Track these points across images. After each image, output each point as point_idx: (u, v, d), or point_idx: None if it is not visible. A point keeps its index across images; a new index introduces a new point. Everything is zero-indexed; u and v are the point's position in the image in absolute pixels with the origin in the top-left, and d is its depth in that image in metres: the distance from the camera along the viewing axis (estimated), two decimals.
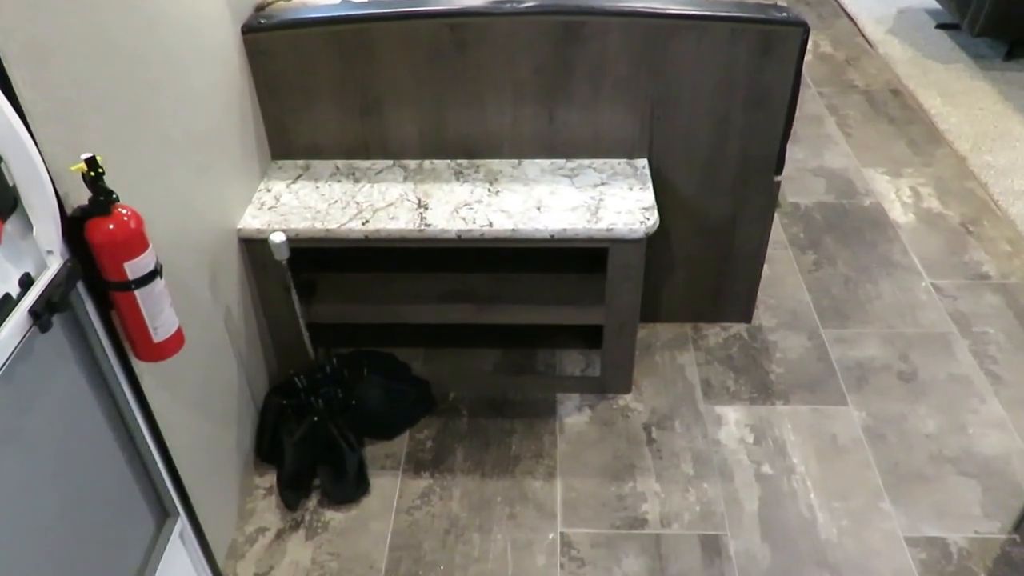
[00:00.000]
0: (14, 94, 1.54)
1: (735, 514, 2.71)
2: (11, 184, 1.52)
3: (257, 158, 2.89)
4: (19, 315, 1.54)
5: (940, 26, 5.77)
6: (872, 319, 3.42)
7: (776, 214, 3.15)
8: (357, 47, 2.79)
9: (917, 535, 2.64)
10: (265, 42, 2.77)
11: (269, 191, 2.87)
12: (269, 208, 2.79)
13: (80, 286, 1.77)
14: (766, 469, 2.84)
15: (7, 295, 1.54)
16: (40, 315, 1.57)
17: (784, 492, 2.77)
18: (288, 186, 2.90)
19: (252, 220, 2.74)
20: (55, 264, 1.66)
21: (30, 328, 1.58)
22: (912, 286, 3.57)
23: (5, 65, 1.52)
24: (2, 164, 1.49)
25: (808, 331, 3.37)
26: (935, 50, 5.49)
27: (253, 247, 2.75)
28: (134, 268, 1.78)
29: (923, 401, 3.06)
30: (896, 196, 4.13)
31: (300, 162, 3.03)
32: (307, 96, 2.89)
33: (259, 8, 2.87)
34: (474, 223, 2.69)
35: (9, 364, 1.53)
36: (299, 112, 2.93)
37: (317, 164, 3.01)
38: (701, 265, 3.25)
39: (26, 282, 1.59)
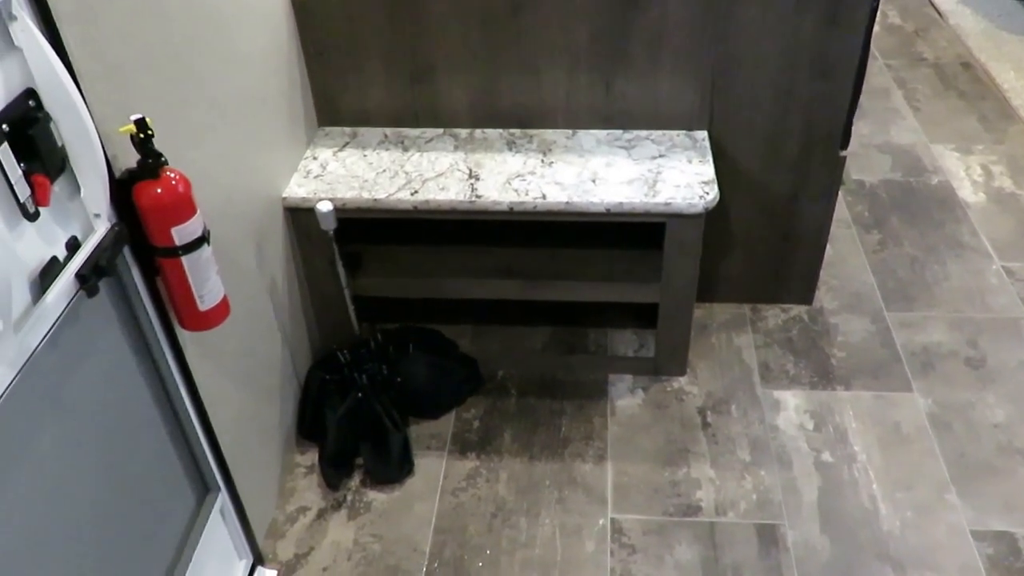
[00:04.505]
0: (65, 53, 1.55)
1: (793, 503, 2.69)
2: (60, 144, 1.53)
3: (304, 124, 2.90)
4: (66, 279, 1.56)
5: None
6: (939, 303, 3.38)
7: (840, 191, 3.11)
8: (408, 10, 2.79)
9: (984, 529, 2.61)
10: (314, 5, 2.78)
11: (315, 159, 2.88)
12: (315, 176, 2.80)
13: (126, 252, 1.79)
14: (826, 457, 2.82)
15: (54, 258, 1.55)
16: (87, 279, 1.59)
17: (845, 481, 2.75)
18: (335, 154, 2.91)
19: (298, 188, 2.75)
20: (102, 228, 1.68)
21: (77, 292, 1.60)
22: (982, 269, 3.53)
23: (57, 23, 1.53)
24: (52, 123, 1.51)
25: (872, 314, 3.34)
26: (1009, 21, 5.39)
27: (298, 216, 2.76)
28: (181, 233, 1.79)
29: (992, 389, 3.02)
30: (966, 174, 4.08)
31: (347, 129, 3.04)
32: (356, 61, 2.90)
33: None
34: (527, 195, 2.69)
35: (55, 329, 1.55)
36: (347, 78, 2.93)
37: (365, 132, 3.02)
38: (761, 243, 3.23)
39: (73, 245, 1.61)
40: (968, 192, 3.96)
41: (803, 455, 2.83)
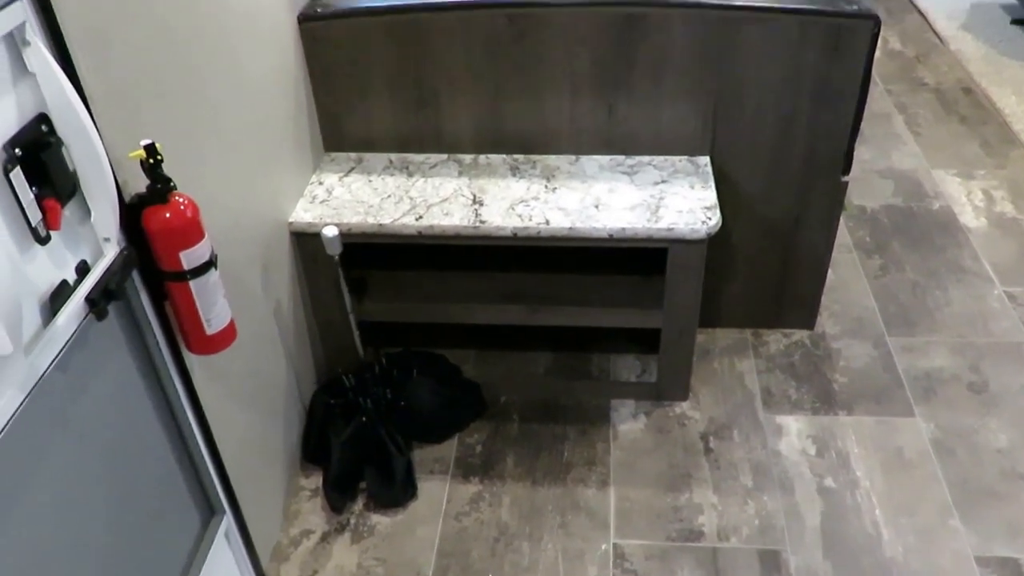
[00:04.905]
0: (77, 78, 1.58)
1: (796, 529, 2.70)
2: (71, 169, 1.56)
3: (310, 150, 2.93)
4: (76, 302, 1.58)
5: (1016, 21, 5.73)
6: (941, 327, 3.40)
7: (841, 217, 3.14)
8: (414, 38, 2.83)
9: (988, 555, 2.62)
10: (321, 31, 2.82)
11: (321, 184, 2.91)
12: (321, 201, 2.83)
13: (135, 275, 1.81)
14: (829, 482, 2.83)
15: (64, 281, 1.57)
16: (97, 303, 1.61)
17: (848, 507, 2.76)
18: (340, 179, 2.94)
19: (304, 213, 2.78)
20: (112, 252, 1.70)
21: (86, 316, 1.62)
22: (984, 294, 3.55)
23: (69, 49, 1.56)
24: (64, 148, 1.53)
25: (874, 339, 3.36)
26: (1010, 47, 5.44)
27: (304, 241, 2.79)
28: (190, 258, 1.82)
29: (994, 414, 3.04)
30: (967, 199, 4.10)
31: (353, 155, 3.07)
32: (362, 87, 2.93)
33: None
34: (530, 220, 2.71)
35: (65, 352, 1.57)
36: (353, 103, 2.97)
37: (370, 157, 3.05)
38: (763, 268, 3.25)
39: (83, 269, 1.63)
40: (970, 217, 3.98)
41: (805, 480, 2.84)
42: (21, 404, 1.45)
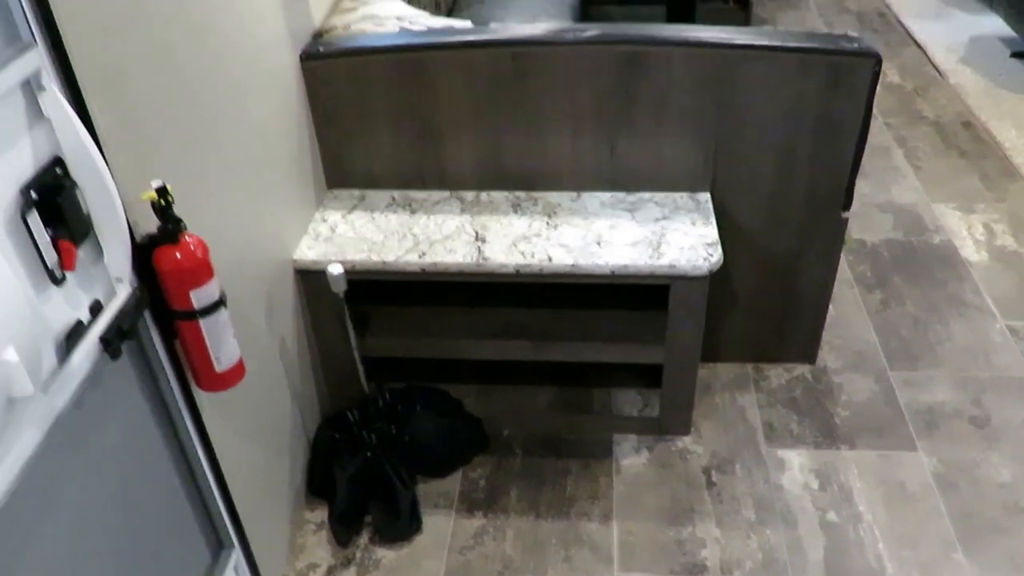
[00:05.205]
0: (90, 121, 1.64)
1: (799, 563, 2.74)
2: (85, 211, 1.61)
3: (313, 187, 2.98)
4: (90, 342, 1.63)
5: (1015, 55, 5.79)
6: (943, 362, 3.43)
7: (842, 251, 3.18)
8: (416, 76, 2.88)
9: None
10: (323, 70, 2.87)
11: (325, 221, 2.96)
12: (325, 239, 2.88)
13: (145, 314, 1.86)
14: (831, 516, 2.87)
15: (79, 321, 1.62)
16: (110, 342, 1.66)
17: (851, 540, 2.79)
18: (344, 216, 2.99)
19: (308, 251, 2.83)
20: (124, 292, 1.75)
21: (100, 355, 1.67)
22: (985, 328, 3.59)
23: (83, 92, 1.61)
24: (78, 190, 1.58)
25: (875, 373, 3.39)
26: (1010, 80, 5.50)
27: (308, 278, 2.84)
28: (200, 297, 1.86)
29: (997, 448, 3.07)
30: (968, 233, 4.15)
31: (356, 192, 3.12)
32: (364, 125, 2.98)
33: (317, 35, 2.98)
34: (533, 257, 2.76)
35: (79, 390, 1.62)
36: (355, 141, 3.02)
37: (373, 194, 3.10)
38: (764, 303, 3.30)
39: (96, 308, 1.68)
40: (970, 251, 4.03)
41: (808, 514, 2.88)
42: (40, 442, 1.50)
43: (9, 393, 1.36)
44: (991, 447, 3.08)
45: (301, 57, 2.84)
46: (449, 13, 4.72)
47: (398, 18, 3.05)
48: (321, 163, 3.06)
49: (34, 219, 1.47)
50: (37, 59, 1.48)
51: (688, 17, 4.86)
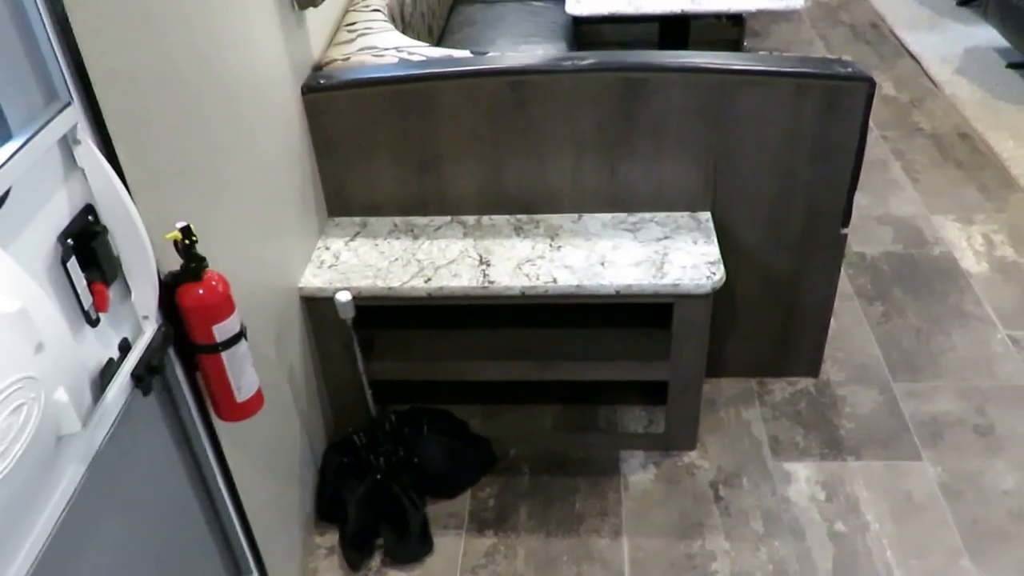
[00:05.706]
0: (119, 167, 1.74)
1: (808, 573, 2.82)
2: (116, 255, 1.71)
3: (315, 215, 3.08)
4: (122, 379, 1.72)
5: (1011, 65, 5.84)
6: (946, 372, 3.52)
7: (842, 265, 3.27)
8: (416, 105, 2.97)
9: None
10: (324, 102, 2.96)
11: (328, 249, 3.06)
12: (329, 266, 2.97)
13: (169, 350, 1.96)
14: (839, 527, 2.95)
15: (111, 359, 1.72)
16: (142, 379, 1.76)
17: (859, 551, 2.88)
18: (346, 243, 3.08)
19: (313, 279, 2.92)
20: (151, 329, 1.85)
21: (132, 391, 1.76)
22: (987, 338, 3.67)
23: (113, 141, 1.71)
24: (109, 236, 1.68)
25: (879, 385, 3.48)
26: (1006, 90, 5.56)
27: (314, 305, 2.93)
28: (222, 331, 1.96)
29: (1001, 456, 3.16)
30: (968, 244, 4.23)
31: (357, 219, 3.21)
32: (365, 153, 3.07)
33: (317, 68, 3.07)
34: (538, 279, 2.85)
35: (113, 426, 1.72)
36: (356, 169, 3.11)
37: (374, 221, 3.19)
38: (766, 319, 3.38)
39: (124, 346, 1.78)
40: (970, 262, 4.11)
41: (816, 526, 2.96)
42: (82, 478, 1.59)
43: (59, 431, 1.45)
44: (995, 455, 3.16)
45: (302, 90, 2.93)
46: (440, 35, 4.81)
47: (397, 49, 3.14)
48: (322, 192, 3.15)
49: (73, 266, 1.57)
50: (74, 115, 1.58)
51: (682, 34, 4.93)
